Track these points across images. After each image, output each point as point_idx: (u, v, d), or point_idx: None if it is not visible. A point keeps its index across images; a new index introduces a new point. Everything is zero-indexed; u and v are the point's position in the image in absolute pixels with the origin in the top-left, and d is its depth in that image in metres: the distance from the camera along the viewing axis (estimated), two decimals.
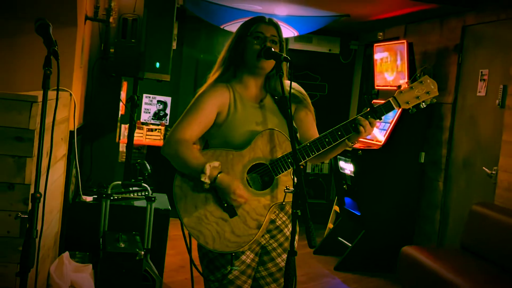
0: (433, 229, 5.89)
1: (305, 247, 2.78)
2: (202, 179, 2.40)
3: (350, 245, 5.96)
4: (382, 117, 2.55)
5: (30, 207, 2.13)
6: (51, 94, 2.22)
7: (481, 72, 5.33)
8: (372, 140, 6.03)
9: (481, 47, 5.43)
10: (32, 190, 2.77)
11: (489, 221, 4.53)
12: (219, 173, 2.42)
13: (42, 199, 2.11)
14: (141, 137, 7.20)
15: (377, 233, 5.88)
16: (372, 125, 2.48)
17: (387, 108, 2.51)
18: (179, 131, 2.53)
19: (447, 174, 5.77)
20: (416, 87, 2.51)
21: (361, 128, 2.46)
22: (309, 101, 2.73)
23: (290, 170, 2.47)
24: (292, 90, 2.62)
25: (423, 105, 2.54)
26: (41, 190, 2.13)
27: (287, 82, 2.52)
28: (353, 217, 6.14)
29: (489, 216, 4.55)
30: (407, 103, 2.51)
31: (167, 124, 7.52)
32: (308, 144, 2.47)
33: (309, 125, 2.70)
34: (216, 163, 2.43)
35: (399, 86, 2.48)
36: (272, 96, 2.65)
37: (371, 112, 2.49)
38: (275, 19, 2.66)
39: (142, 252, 3.77)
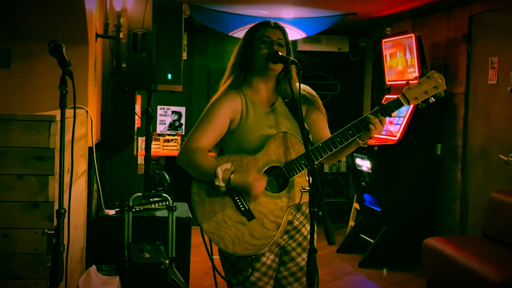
0: (454, 219, 5.89)
1: (328, 247, 2.83)
2: (216, 183, 2.45)
3: (372, 241, 5.98)
4: (392, 114, 2.58)
5: (55, 223, 2.20)
6: (68, 112, 2.29)
7: (491, 60, 5.34)
8: (388, 136, 6.05)
9: (489, 35, 5.45)
10: (56, 207, 2.86)
11: (509, 207, 4.53)
12: (232, 173, 2.47)
13: (66, 214, 2.18)
14: (158, 149, 7.28)
15: (398, 227, 5.89)
16: (382, 122, 2.52)
17: (396, 105, 2.55)
18: (194, 140, 2.59)
19: (464, 164, 5.78)
20: (424, 82, 2.55)
21: (371, 126, 2.50)
22: (320, 102, 2.77)
23: (304, 171, 2.52)
24: (302, 92, 2.67)
25: (432, 100, 2.58)
26: (65, 206, 2.20)
27: (297, 85, 2.57)
28: (373, 213, 6.16)
29: (508, 203, 4.56)
30: (416, 98, 2.55)
31: (183, 133, 7.60)
32: (320, 144, 2.51)
33: (320, 126, 2.73)
34: (228, 165, 2.48)
35: (407, 82, 2.51)
36: (283, 99, 2.70)
37: (380, 110, 2.53)
38: (280, 23, 2.72)
39: (167, 261, 3.83)
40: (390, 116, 2.56)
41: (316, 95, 2.78)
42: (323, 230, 2.22)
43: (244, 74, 2.67)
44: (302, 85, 2.66)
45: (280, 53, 2.55)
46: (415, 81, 2.60)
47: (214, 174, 2.46)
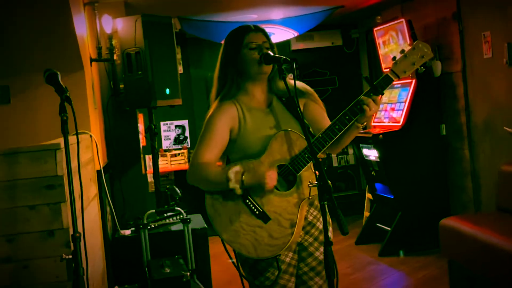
0: (467, 197, 5.89)
1: (346, 240, 2.84)
2: (231, 186, 2.48)
3: (389, 229, 5.98)
4: (385, 92, 2.58)
5: (72, 247, 2.23)
6: (72, 138, 2.32)
7: (483, 34, 5.35)
8: (391, 122, 6.06)
9: (479, 10, 5.45)
10: (71, 232, 2.89)
11: None
12: (243, 174, 2.49)
13: (82, 237, 2.21)
14: (166, 164, 7.31)
15: (413, 212, 5.90)
16: (376, 102, 2.52)
17: (386, 81, 2.54)
18: (198, 157, 2.62)
19: (470, 141, 5.79)
20: (410, 54, 2.55)
21: (366, 107, 2.50)
22: (316, 95, 2.79)
23: (310, 164, 2.54)
24: (297, 88, 2.70)
25: (422, 69, 2.59)
26: (79, 230, 2.23)
27: (292, 82, 2.60)
28: (387, 201, 6.16)
29: None
30: (405, 71, 2.55)
31: (189, 146, 7.63)
32: (320, 135, 2.53)
33: (320, 117, 2.76)
34: (237, 167, 2.50)
35: (394, 58, 2.52)
36: (279, 98, 2.73)
37: (372, 90, 2.53)
38: (259, 25, 2.75)
39: (188, 273, 3.85)
40: (383, 94, 2.55)
41: (311, 89, 2.80)
42: (336, 222, 2.24)
43: (236, 83, 2.70)
44: (297, 82, 2.69)
45: (271, 54, 2.59)
46: (401, 55, 2.60)
47: (226, 178, 2.48)
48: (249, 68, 2.64)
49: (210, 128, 2.65)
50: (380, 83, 2.53)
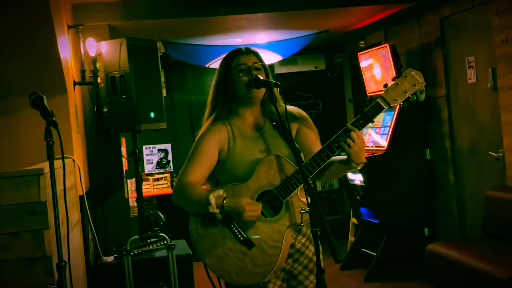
0: (453, 221, 5.88)
1: (331, 265, 2.79)
2: (210, 210, 2.43)
3: (375, 254, 5.94)
4: (375, 120, 2.54)
5: (57, 276, 2.15)
6: (56, 163, 2.26)
7: (467, 60, 5.39)
8: (376, 146, 6.05)
9: (463, 35, 5.50)
10: (54, 261, 2.81)
11: (506, 203, 4.53)
12: (224, 199, 2.44)
13: (67, 266, 2.13)
14: (149, 188, 7.23)
15: (398, 237, 5.87)
16: (358, 136, 2.45)
17: (377, 109, 2.48)
18: (185, 177, 2.58)
19: (455, 165, 5.79)
20: (402, 82, 2.48)
21: (349, 141, 2.43)
22: (310, 120, 2.75)
23: (296, 191, 2.49)
24: (291, 112, 2.67)
25: (414, 98, 2.53)
26: (64, 257, 2.15)
27: (283, 105, 2.56)
28: (372, 226, 6.13)
29: (505, 198, 4.56)
30: (396, 100, 2.48)
31: (172, 170, 7.55)
32: (308, 161, 2.48)
33: (312, 143, 2.71)
34: (220, 192, 2.46)
35: (385, 85, 2.45)
36: (271, 121, 2.69)
37: (362, 117, 2.47)
38: (252, 47, 2.72)
39: None
40: (372, 121, 2.49)
41: (306, 114, 2.76)
42: (328, 248, 2.19)
43: (228, 106, 2.67)
44: (290, 107, 2.66)
45: (261, 77, 2.55)
46: (393, 82, 2.54)
47: (207, 201, 2.43)
48: (239, 91, 2.61)
49: (199, 148, 2.62)
50: (370, 111, 2.48)
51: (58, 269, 2.07)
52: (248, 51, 2.67)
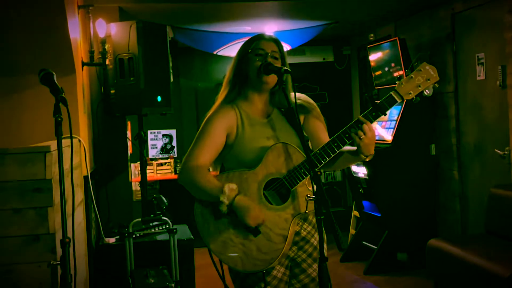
0: (455, 218, 5.87)
1: (331, 257, 2.79)
2: (221, 199, 2.43)
3: (375, 247, 5.95)
4: (387, 112, 2.53)
5: (60, 253, 2.15)
6: (63, 142, 2.25)
7: (478, 56, 5.36)
8: (381, 140, 6.04)
9: (474, 31, 5.47)
10: (57, 238, 2.81)
11: (510, 201, 4.52)
12: (237, 195, 2.44)
13: (71, 243, 2.14)
14: (152, 173, 7.23)
15: (400, 231, 5.87)
16: (370, 128, 2.45)
17: (390, 102, 2.47)
18: (192, 158, 2.57)
19: (460, 162, 5.78)
20: (416, 76, 2.47)
21: (360, 133, 2.43)
22: (318, 110, 2.74)
23: (305, 180, 2.48)
24: (299, 101, 2.65)
25: (426, 92, 2.52)
26: (68, 235, 2.16)
27: (292, 94, 2.56)
28: (374, 219, 6.13)
29: (509, 197, 4.55)
30: (409, 93, 2.47)
31: (176, 156, 7.55)
32: (318, 151, 2.47)
33: (319, 132, 2.70)
34: (234, 186, 2.46)
35: (399, 78, 2.43)
36: (279, 109, 2.68)
37: (374, 109, 2.47)
38: (274, 36, 2.71)
39: (173, 285, 3.77)
40: (385, 114, 2.48)
41: (314, 103, 2.75)
42: (333, 237, 2.19)
43: (238, 87, 2.66)
44: (299, 94, 2.64)
45: (273, 64, 2.54)
46: (406, 76, 2.52)
47: (221, 189, 2.43)
48: (250, 74, 2.61)
49: (207, 130, 2.60)
50: (383, 103, 2.47)
51: (62, 245, 2.07)
52: (271, 38, 2.66)
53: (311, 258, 2.65)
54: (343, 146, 2.48)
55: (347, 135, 2.46)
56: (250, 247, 2.49)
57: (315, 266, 2.64)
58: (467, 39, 5.57)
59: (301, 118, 2.69)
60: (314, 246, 2.65)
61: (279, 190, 2.53)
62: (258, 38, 2.65)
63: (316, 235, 2.65)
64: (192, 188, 2.56)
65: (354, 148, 2.50)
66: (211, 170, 2.66)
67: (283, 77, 2.48)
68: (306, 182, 2.50)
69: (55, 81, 2.24)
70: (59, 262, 2.09)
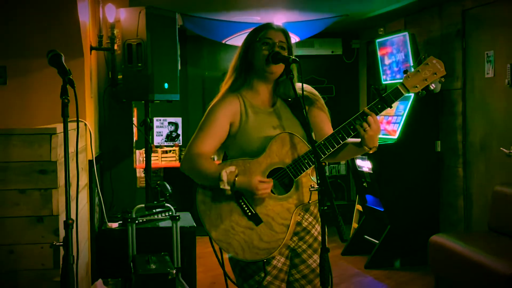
0: (458, 216, 5.87)
1: (332, 250, 2.78)
2: (221, 186, 2.43)
3: (377, 242, 5.95)
4: (393, 105, 2.52)
5: (63, 235, 2.16)
6: (69, 125, 2.26)
7: (487, 53, 5.34)
8: (387, 135, 6.03)
9: (483, 29, 5.45)
10: (61, 220, 2.82)
11: None
12: (236, 176, 2.44)
13: (74, 225, 2.15)
14: (157, 160, 7.24)
15: (402, 226, 5.86)
16: (375, 121, 2.44)
17: (396, 94, 2.46)
18: (195, 146, 2.57)
19: (465, 159, 5.77)
20: (422, 70, 2.47)
21: (365, 125, 2.43)
22: (322, 101, 2.73)
23: (309, 170, 2.48)
24: (304, 92, 2.64)
25: (432, 87, 2.52)
26: (72, 217, 2.16)
27: (298, 85, 2.55)
28: (376, 214, 6.13)
29: None
30: (416, 87, 2.47)
31: (181, 144, 7.57)
32: (322, 142, 2.47)
33: (323, 124, 2.69)
34: (232, 168, 2.45)
35: (406, 71, 2.42)
36: (284, 100, 2.67)
37: (380, 102, 2.46)
38: (283, 26, 2.70)
39: (174, 271, 3.79)
40: (390, 107, 2.48)
41: (318, 94, 2.75)
42: (335, 228, 2.19)
43: (244, 75, 2.65)
44: (305, 85, 2.64)
45: (281, 54, 2.53)
46: (414, 70, 2.52)
47: (219, 177, 2.43)
48: (257, 63, 2.59)
49: (210, 118, 2.60)
50: (389, 96, 2.47)
51: (65, 226, 2.08)
52: (279, 28, 2.65)
53: (311, 249, 2.65)
54: (348, 137, 2.48)
55: (352, 127, 2.46)
56: (251, 236, 2.49)
57: (315, 257, 2.64)
58: (476, 36, 5.55)
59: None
60: (315, 237, 2.65)
61: (282, 180, 2.53)
62: (266, 27, 2.63)
63: (317, 226, 2.66)
64: (195, 175, 2.56)
65: (358, 140, 2.50)
66: (215, 159, 2.66)
67: (290, 66, 2.47)
68: (309, 173, 2.50)
69: (63, 62, 2.24)
70: (61, 243, 2.10)
